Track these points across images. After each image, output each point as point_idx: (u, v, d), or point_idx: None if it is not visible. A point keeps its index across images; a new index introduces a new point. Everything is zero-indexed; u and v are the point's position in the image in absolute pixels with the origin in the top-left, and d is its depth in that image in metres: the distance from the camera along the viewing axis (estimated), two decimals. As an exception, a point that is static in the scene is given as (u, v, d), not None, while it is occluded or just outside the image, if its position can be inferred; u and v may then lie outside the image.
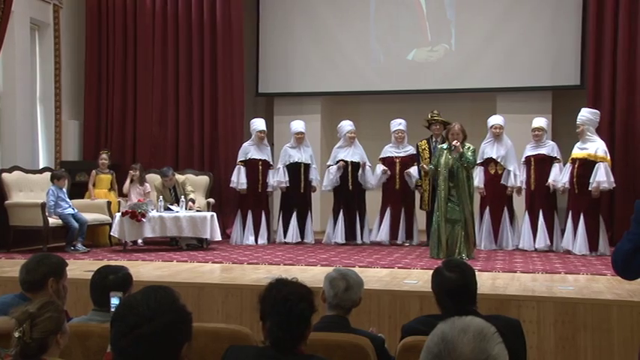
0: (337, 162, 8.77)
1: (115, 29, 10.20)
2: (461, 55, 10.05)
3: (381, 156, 8.79)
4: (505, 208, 8.21)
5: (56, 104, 9.77)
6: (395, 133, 8.74)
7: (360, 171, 8.72)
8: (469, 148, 7.15)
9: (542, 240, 7.96)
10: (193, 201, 8.37)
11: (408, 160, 8.69)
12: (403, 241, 8.64)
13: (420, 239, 8.66)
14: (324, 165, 9.24)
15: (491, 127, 8.32)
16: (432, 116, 8.61)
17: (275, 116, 10.72)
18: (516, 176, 8.14)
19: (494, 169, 8.26)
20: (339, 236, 8.69)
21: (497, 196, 8.21)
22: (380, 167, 8.71)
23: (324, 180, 8.87)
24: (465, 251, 7.02)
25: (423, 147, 8.62)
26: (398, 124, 8.78)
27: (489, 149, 8.27)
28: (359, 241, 8.70)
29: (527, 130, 8.27)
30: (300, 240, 8.81)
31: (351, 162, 8.74)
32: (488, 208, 8.26)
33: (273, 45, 10.66)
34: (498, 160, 8.21)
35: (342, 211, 8.75)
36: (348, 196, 8.75)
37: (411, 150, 8.75)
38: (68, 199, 8.22)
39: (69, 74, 10.07)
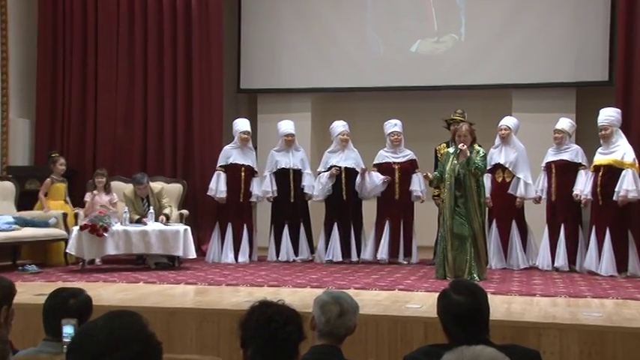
0: (329, 168, 8.78)
1: (73, 17, 10.15)
2: (472, 46, 10.09)
3: (377, 162, 8.78)
4: (514, 222, 8.25)
5: (3, 100, 9.72)
6: (391, 136, 8.73)
7: (359, 178, 8.71)
8: (478, 152, 7.15)
9: (561, 258, 7.95)
10: (168, 217, 8.34)
11: (408, 166, 8.70)
12: (403, 258, 8.65)
13: (425, 257, 8.67)
14: (315, 171, 9.21)
15: (498, 128, 8.38)
16: (453, 115, 8.56)
17: (259, 115, 10.71)
18: (528, 185, 8.16)
19: (501, 176, 8.30)
20: (334, 253, 8.70)
21: (505, 208, 8.23)
22: (378, 176, 8.67)
23: (315, 189, 8.88)
24: (475, 271, 7.03)
25: (442, 151, 8.56)
26: (394, 125, 8.77)
27: (497, 154, 8.31)
28: (354, 258, 8.71)
29: (548, 132, 8.32)
30: (294, 258, 8.83)
31: (345, 168, 8.75)
32: (495, 221, 8.29)
33: (256, 35, 10.66)
34: (507, 167, 8.24)
35: (336, 224, 8.76)
36: (343, 207, 8.77)
37: (410, 155, 8.76)
38: None
39: (18, 67, 10.00)
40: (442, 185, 7.31)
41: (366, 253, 8.74)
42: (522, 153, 8.27)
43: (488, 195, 8.16)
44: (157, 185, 8.77)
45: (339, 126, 8.93)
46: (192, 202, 9.53)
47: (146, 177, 8.57)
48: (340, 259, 8.66)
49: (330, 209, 8.88)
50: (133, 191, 8.47)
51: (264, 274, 7.58)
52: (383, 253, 8.60)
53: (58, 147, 9.95)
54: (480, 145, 7.35)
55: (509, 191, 8.21)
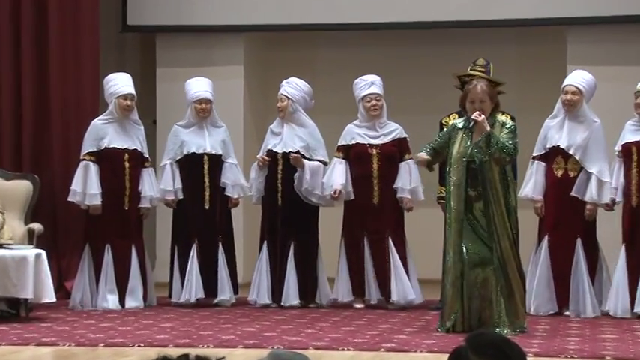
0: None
1: None
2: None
3: (344, 142, 8.83)
4: (579, 242, 8.27)
5: None
6: (365, 101, 8.76)
7: (299, 171, 8.77)
8: (504, 124, 7.21)
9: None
10: None
11: (394, 151, 8.75)
12: (392, 300, 8.68)
13: (428, 297, 8.74)
14: (250, 158, 9.20)
15: (562, 90, 8.36)
16: (471, 69, 8.52)
17: (158, 69, 10.81)
18: (603, 184, 8.20)
19: (562, 168, 8.33)
20: (259, 292, 8.80)
21: (566, 217, 8.29)
22: (338, 162, 8.76)
23: (251, 186, 9.00)
24: (505, 320, 7.05)
25: None
26: (370, 83, 8.79)
27: (555, 132, 8.32)
28: (290, 301, 8.72)
29: (624, 96, 8.45)
30: (210, 296, 8.89)
31: (283, 154, 8.81)
32: (547, 237, 8.31)
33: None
34: (571, 153, 8.27)
35: (265, 244, 8.87)
36: (278, 217, 8.85)
37: (397, 132, 8.80)
38: None
39: None
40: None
41: (338, 292, 8.81)
42: (597, 133, 8.29)
43: (539, 196, 8.22)
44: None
45: (282, 84, 8.96)
46: (49, 210, 9.48)
47: None
48: (266, 300, 8.75)
49: (263, 221, 9.02)
50: None
51: (169, 327, 7.61)
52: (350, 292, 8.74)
53: None
54: (510, 115, 7.33)
55: (574, 193, 8.23)
